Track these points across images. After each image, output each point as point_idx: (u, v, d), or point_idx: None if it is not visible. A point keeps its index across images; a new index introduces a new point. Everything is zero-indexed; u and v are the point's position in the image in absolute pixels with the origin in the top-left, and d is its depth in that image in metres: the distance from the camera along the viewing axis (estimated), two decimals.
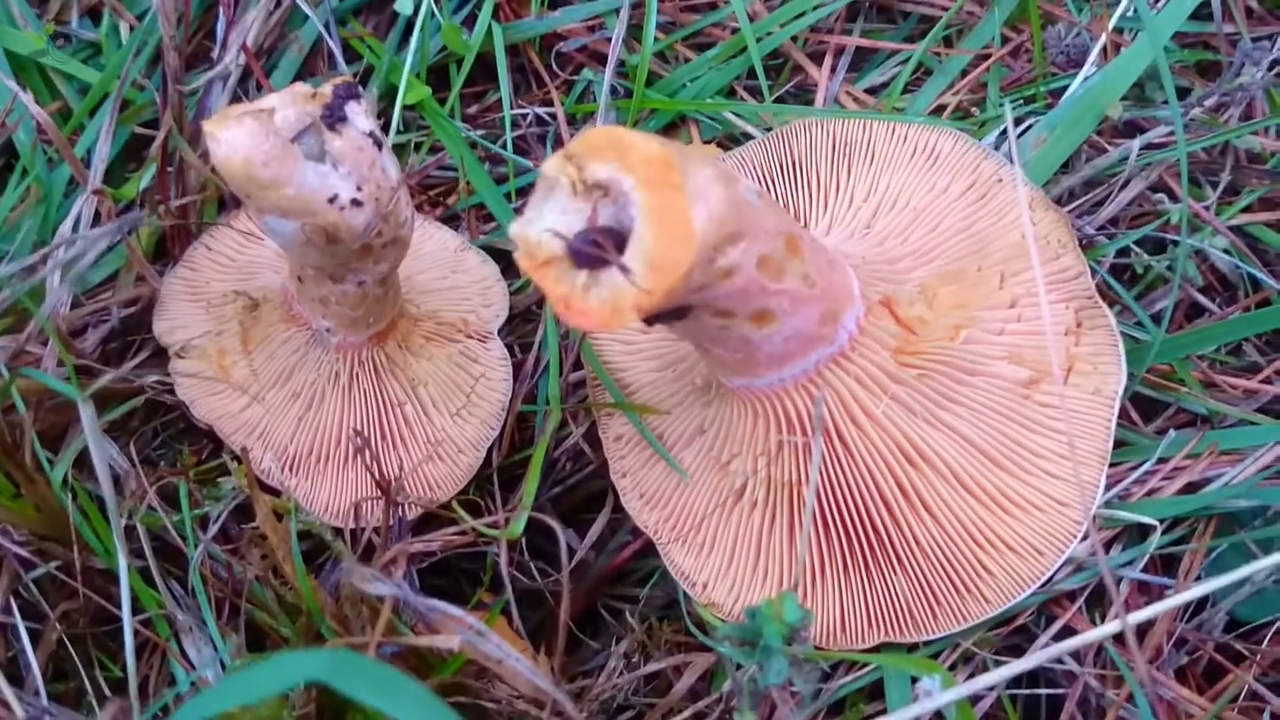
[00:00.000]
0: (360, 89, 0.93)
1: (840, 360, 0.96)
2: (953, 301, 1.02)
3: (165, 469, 1.12)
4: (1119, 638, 1.00)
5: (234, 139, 0.87)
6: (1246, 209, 1.22)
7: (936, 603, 1.01)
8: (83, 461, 1.10)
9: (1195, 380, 1.12)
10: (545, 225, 0.80)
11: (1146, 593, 1.04)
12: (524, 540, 1.13)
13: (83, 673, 1.01)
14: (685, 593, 1.07)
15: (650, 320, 0.86)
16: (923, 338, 1.00)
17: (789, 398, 0.97)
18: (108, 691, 1.01)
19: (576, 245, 0.79)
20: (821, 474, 0.99)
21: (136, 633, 0.94)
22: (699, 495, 1.07)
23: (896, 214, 1.09)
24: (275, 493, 1.11)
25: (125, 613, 0.85)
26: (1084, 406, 1.02)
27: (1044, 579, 0.99)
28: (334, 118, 0.91)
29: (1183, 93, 1.27)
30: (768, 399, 0.98)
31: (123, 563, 0.84)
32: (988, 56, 1.31)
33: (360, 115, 0.92)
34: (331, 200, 0.91)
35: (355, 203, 0.92)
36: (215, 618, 1.01)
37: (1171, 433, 1.07)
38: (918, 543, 1.00)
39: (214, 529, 1.02)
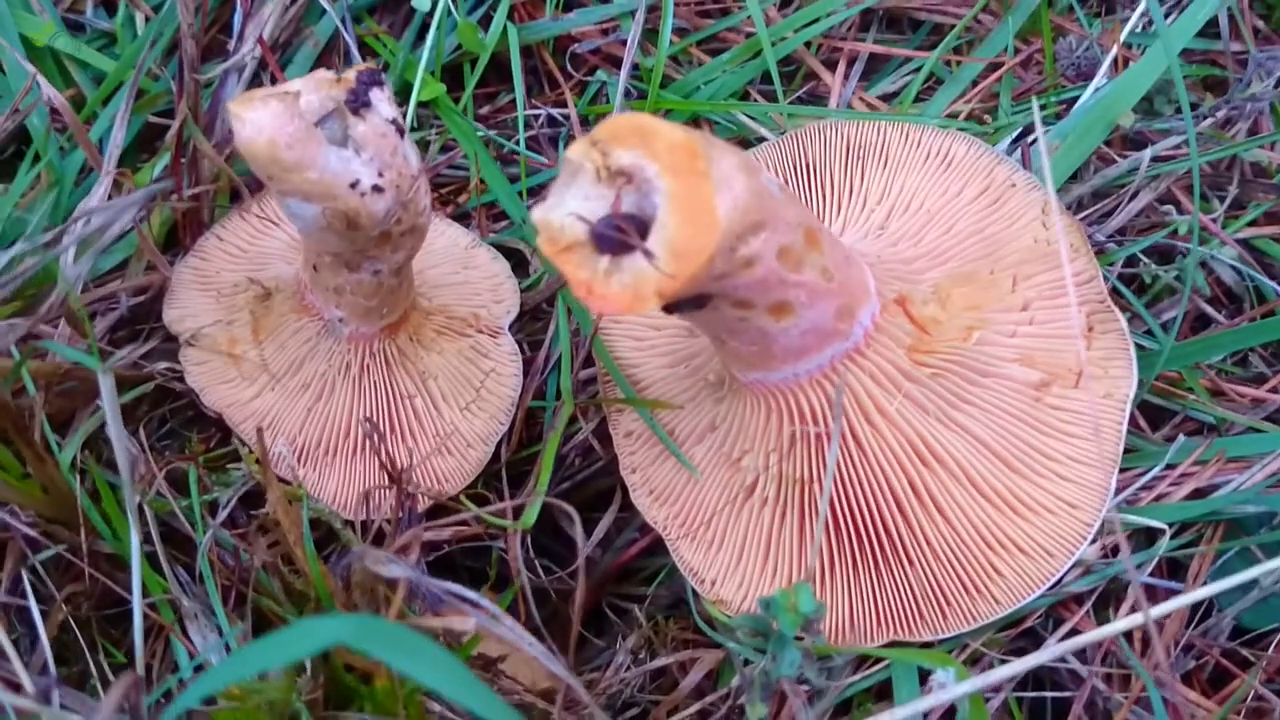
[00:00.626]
0: (384, 76, 0.93)
1: (855, 357, 0.96)
2: (966, 303, 1.03)
3: (174, 455, 1.11)
4: (1129, 639, 1.01)
5: (259, 120, 0.87)
6: (1252, 223, 1.23)
7: (946, 603, 1.01)
8: (90, 445, 1.09)
9: (1203, 388, 1.13)
10: (568, 210, 0.80)
11: (1153, 598, 1.05)
12: (529, 538, 1.13)
13: (87, 656, 1.00)
14: (693, 590, 1.07)
15: (670, 308, 0.86)
16: (936, 337, 1.00)
17: (803, 393, 0.97)
18: (111, 676, 1.00)
19: (600, 229, 0.79)
20: (831, 473, 0.99)
21: (144, 617, 0.94)
22: (709, 491, 1.07)
23: (910, 216, 1.10)
24: (285, 482, 1.10)
25: (135, 591, 0.85)
26: (1095, 410, 1.03)
27: (1053, 580, 1.00)
28: (358, 103, 0.91)
29: (1191, 107, 1.28)
30: (782, 394, 0.98)
31: (135, 539, 0.84)
32: (999, 66, 1.32)
33: (384, 102, 0.92)
34: (353, 185, 0.91)
35: (376, 188, 0.92)
36: (222, 605, 1.00)
37: (1181, 438, 1.07)
38: (929, 542, 1.00)
39: (223, 514, 1.01)
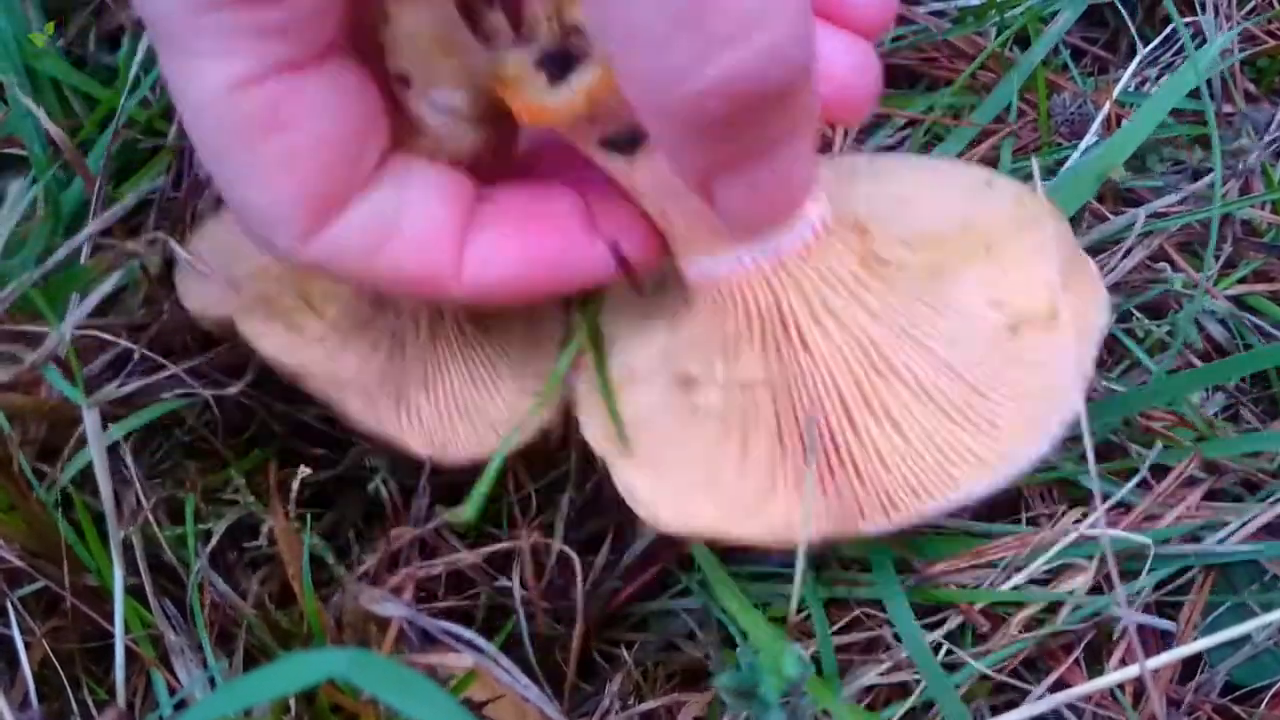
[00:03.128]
0: None
1: (804, 254, 0.93)
2: (935, 251, 1.00)
3: (167, 488, 1.09)
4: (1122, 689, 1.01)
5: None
6: (1242, 280, 1.24)
7: (894, 509, 0.95)
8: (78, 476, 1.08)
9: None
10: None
11: (1144, 638, 1.04)
12: (520, 580, 1.11)
13: (69, 693, 0.98)
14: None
15: (606, 143, 0.88)
16: (898, 271, 0.98)
17: (750, 290, 0.94)
18: (95, 712, 0.99)
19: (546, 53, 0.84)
20: (777, 377, 0.96)
21: (126, 652, 0.92)
22: (654, 409, 1.02)
23: (889, 196, 1.07)
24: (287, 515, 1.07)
25: (118, 626, 0.83)
26: (1065, 345, 0.96)
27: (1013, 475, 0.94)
28: None
29: (1182, 164, 1.31)
30: (728, 291, 0.95)
31: (118, 576, 0.83)
32: (998, 120, 1.34)
33: None
34: None
35: None
36: (209, 641, 0.99)
37: (1158, 445, 1.09)
38: (879, 453, 0.95)
39: (212, 542, 1.00)
